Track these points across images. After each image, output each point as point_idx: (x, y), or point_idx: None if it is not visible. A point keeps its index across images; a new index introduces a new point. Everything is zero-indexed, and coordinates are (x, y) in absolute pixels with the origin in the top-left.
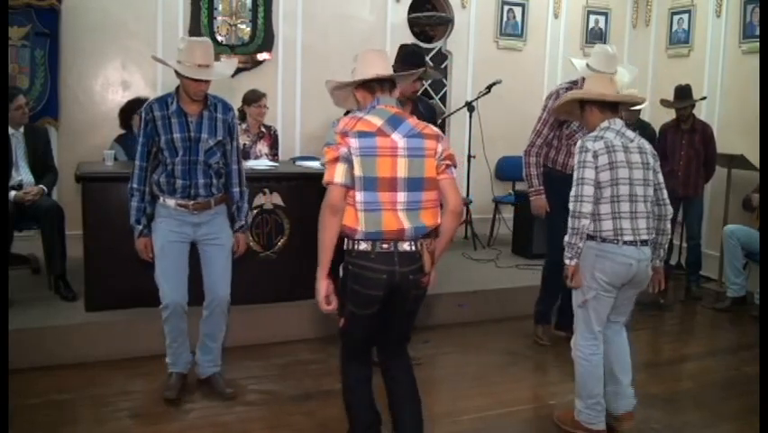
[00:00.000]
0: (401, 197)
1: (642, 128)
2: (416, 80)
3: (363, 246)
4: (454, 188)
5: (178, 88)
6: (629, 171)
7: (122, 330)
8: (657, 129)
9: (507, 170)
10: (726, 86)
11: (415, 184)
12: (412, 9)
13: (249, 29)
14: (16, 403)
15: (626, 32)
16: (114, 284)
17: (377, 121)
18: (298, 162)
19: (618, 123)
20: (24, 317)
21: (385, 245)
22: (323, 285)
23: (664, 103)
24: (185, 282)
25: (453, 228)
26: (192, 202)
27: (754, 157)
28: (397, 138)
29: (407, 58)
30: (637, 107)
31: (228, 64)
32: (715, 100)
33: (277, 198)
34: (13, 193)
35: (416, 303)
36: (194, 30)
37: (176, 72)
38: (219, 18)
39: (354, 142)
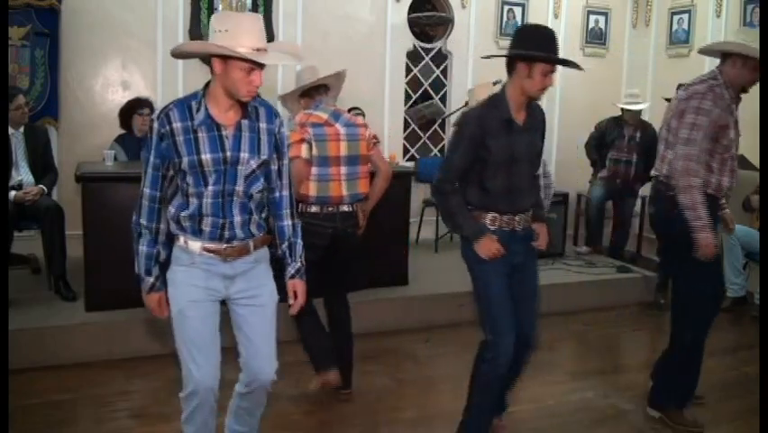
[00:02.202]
0: (343, 170)
1: (642, 128)
2: (551, 73)
3: (314, 209)
4: (383, 159)
5: (205, 88)
6: None
7: (122, 330)
8: (657, 129)
9: None
10: None
11: (352, 160)
12: (412, 9)
13: None
14: (16, 403)
15: (626, 32)
16: (114, 284)
17: (323, 115)
18: None
19: None
20: (24, 317)
21: (330, 208)
22: None
23: (668, 100)
24: (217, 358)
25: (385, 188)
26: (225, 246)
27: (753, 157)
28: (339, 127)
29: (527, 40)
30: (638, 107)
31: (289, 46)
32: None
33: None
34: (13, 193)
35: (353, 252)
36: (194, 30)
37: (212, 61)
38: None
39: (311, 130)
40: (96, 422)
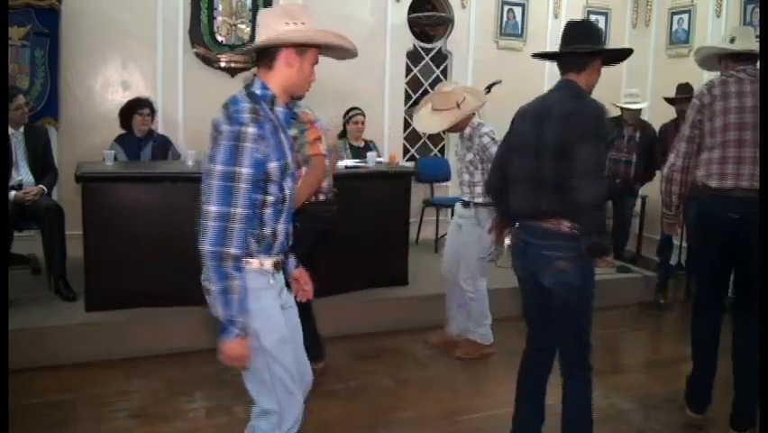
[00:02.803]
0: (326, 162)
1: (642, 128)
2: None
3: (321, 197)
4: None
5: (264, 85)
6: None
7: (122, 330)
8: (657, 129)
9: None
10: None
11: (329, 153)
12: (412, 9)
13: (249, 29)
14: (16, 403)
15: (626, 32)
16: (114, 284)
17: (312, 113)
18: None
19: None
20: (24, 317)
21: (329, 194)
22: None
23: (668, 100)
24: None
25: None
26: (283, 257)
27: None
28: (318, 124)
29: (598, 36)
30: (638, 107)
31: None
32: None
33: None
34: (13, 193)
35: (335, 239)
36: (194, 30)
37: (280, 56)
38: (219, 18)
39: (318, 126)
40: (96, 422)
